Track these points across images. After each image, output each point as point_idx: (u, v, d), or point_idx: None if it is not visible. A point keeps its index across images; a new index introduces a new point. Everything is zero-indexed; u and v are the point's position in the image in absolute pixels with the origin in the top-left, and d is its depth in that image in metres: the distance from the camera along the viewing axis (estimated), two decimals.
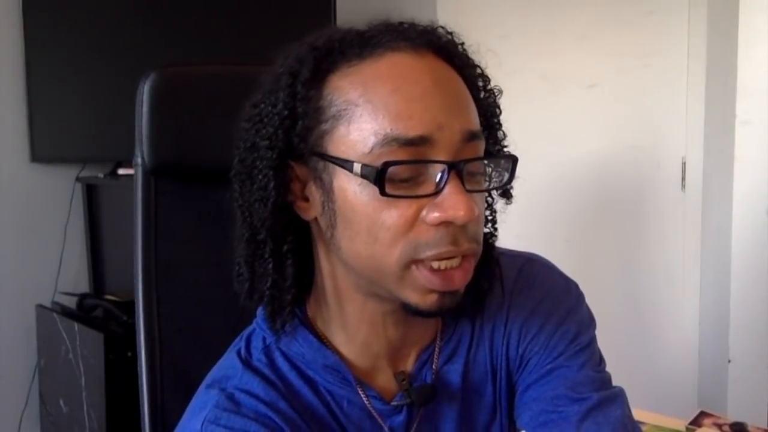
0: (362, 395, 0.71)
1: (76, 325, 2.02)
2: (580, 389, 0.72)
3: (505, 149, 0.74)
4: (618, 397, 0.74)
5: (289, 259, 0.69)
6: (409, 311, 0.67)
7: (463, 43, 0.70)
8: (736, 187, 1.99)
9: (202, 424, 0.68)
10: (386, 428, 0.72)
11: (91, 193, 2.35)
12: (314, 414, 0.70)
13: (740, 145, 1.97)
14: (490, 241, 0.75)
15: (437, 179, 0.62)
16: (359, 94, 0.63)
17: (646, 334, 2.22)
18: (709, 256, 2.09)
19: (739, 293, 2.01)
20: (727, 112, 1.99)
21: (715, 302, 2.07)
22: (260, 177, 0.67)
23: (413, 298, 0.65)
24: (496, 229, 0.75)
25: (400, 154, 0.61)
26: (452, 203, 0.61)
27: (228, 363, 0.74)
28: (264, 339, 0.74)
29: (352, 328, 0.71)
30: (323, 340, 0.72)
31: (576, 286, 0.81)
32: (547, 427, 0.71)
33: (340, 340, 0.72)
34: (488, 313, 0.76)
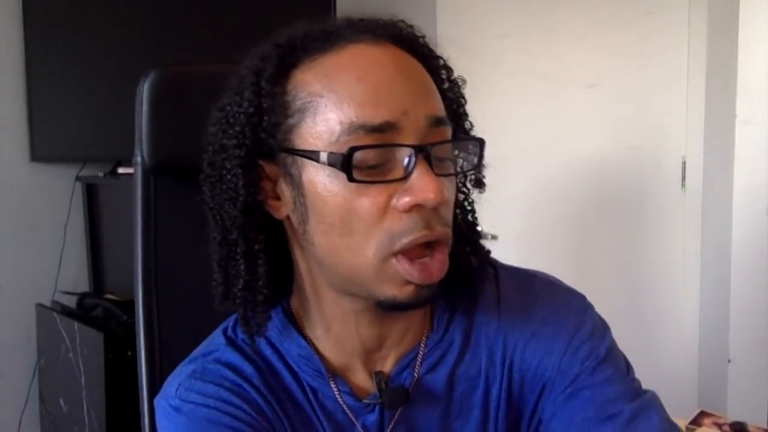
0: (334, 389, 0.71)
1: (76, 325, 2.02)
2: (608, 406, 0.69)
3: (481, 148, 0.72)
4: (651, 404, 0.71)
5: (261, 258, 0.68)
6: (385, 307, 0.65)
7: (424, 36, 0.70)
8: (736, 187, 1.99)
9: (177, 389, 0.70)
10: (358, 425, 0.71)
11: (91, 193, 2.35)
12: (292, 395, 0.71)
13: (740, 145, 1.97)
14: (476, 229, 0.74)
15: (405, 163, 0.62)
16: (323, 85, 0.63)
17: (646, 334, 2.22)
18: (709, 256, 2.09)
19: (739, 293, 2.01)
20: (727, 112, 1.98)
21: (715, 302, 2.07)
22: (229, 177, 0.66)
23: (390, 291, 0.64)
24: (476, 219, 0.74)
25: (367, 141, 0.61)
26: (421, 186, 0.61)
27: (213, 339, 0.76)
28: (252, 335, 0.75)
29: (327, 323, 0.71)
30: (302, 332, 0.73)
31: (582, 298, 0.77)
32: None
33: (317, 334, 0.72)
34: (485, 330, 0.73)
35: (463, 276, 0.71)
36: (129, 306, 1.54)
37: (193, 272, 1.00)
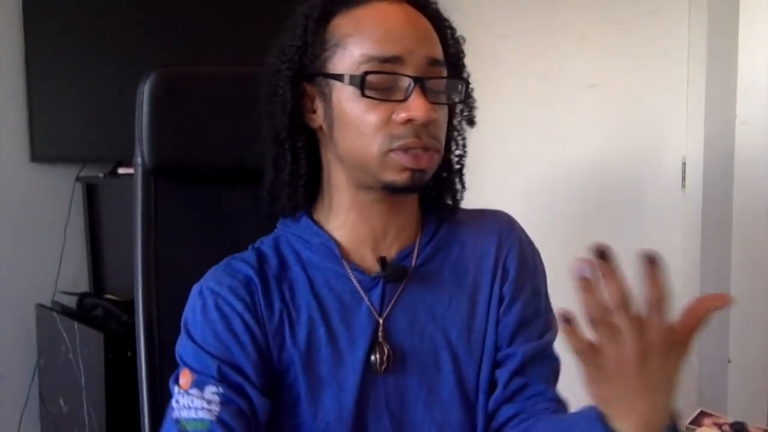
0: (347, 267, 0.90)
1: (76, 325, 2.03)
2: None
3: (472, 95, 0.94)
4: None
5: (302, 152, 0.91)
6: (389, 190, 0.86)
7: (435, 3, 0.91)
8: (736, 187, 1.99)
9: (203, 279, 0.91)
10: (366, 299, 0.89)
11: (91, 193, 2.35)
12: (293, 286, 0.90)
13: (740, 146, 1.97)
14: (459, 163, 0.96)
15: (405, 89, 0.83)
16: (352, 28, 0.85)
17: None
18: (709, 256, 2.08)
19: (739, 293, 2.01)
20: (727, 112, 1.98)
21: None
22: (281, 91, 0.89)
23: (392, 176, 0.85)
24: (465, 152, 0.96)
25: (379, 68, 0.83)
26: (415, 106, 0.82)
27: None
28: (276, 233, 0.96)
29: (343, 216, 0.92)
30: (321, 228, 0.93)
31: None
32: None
33: (335, 225, 0.92)
34: (472, 244, 0.95)
35: (446, 198, 0.95)
36: (129, 306, 1.54)
37: (193, 272, 1.00)
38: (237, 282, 0.89)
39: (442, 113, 0.87)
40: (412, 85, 0.83)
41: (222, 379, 0.84)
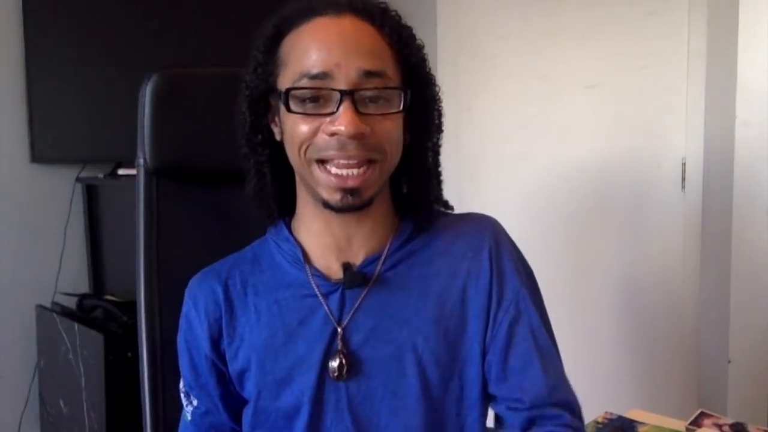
0: (309, 272, 0.92)
1: (76, 326, 2.03)
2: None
3: (437, 100, 0.93)
4: None
5: (266, 165, 0.93)
6: (328, 208, 0.87)
7: (386, 11, 0.89)
8: (736, 187, 1.99)
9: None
10: (324, 305, 0.91)
11: (91, 194, 2.35)
12: (259, 289, 0.94)
13: (740, 145, 1.97)
14: (430, 171, 0.94)
15: (336, 102, 0.83)
16: (292, 47, 0.87)
17: (646, 334, 2.22)
18: (709, 256, 2.09)
19: (739, 293, 2.01)
20: (727, 112, 1.98)
21: (715, 302, 2.07)
22: (242, 108, 0.92)
23: (326, 194, 0.86)
24: (436, 159, 0.95)
25: (308, 85, 0.84)
26: (340, 120, 0.82)
27: None
28: (265, 236, 0.99)
29: (308, 224, 0.93)
30: (294, 236, 0.95)
31: None
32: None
33: (303, 234, 0.94)
34: (456, 247, 0.93)
35: (420, 205, 0.94)
36: (129, 307, 1.54)
37: (194, 273, 1.00)
38: (202, 294, 0.95)
39: (388, 124, 0.86)
40: (340, 98, 0.83)
41: (193, 386, 0.96)
